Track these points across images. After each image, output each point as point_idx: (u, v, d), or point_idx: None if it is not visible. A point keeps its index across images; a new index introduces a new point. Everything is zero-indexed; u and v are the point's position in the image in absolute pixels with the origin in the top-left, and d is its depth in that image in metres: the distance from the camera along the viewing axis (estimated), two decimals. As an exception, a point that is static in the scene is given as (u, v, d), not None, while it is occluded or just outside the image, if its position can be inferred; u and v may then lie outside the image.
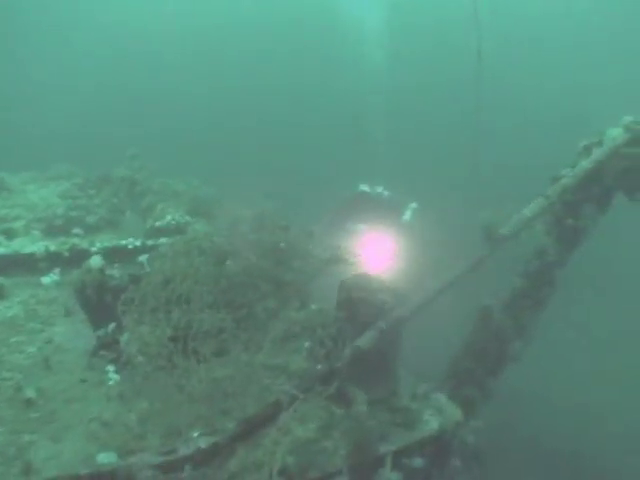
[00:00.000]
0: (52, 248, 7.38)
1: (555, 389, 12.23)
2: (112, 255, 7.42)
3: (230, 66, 22.18)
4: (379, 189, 12.21)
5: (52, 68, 21.26)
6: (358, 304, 5.57)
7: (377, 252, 12.27)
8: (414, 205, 12.08)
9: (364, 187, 12.15)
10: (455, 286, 5.68)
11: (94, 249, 7.41)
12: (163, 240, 7.82)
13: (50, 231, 8.61)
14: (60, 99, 19.18)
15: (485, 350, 8.27)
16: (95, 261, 6.85)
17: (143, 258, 7.30)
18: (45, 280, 7.00)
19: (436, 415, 5.87)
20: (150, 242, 7.74)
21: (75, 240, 7.63)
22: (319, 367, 5.05)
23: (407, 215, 11.95)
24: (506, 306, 8.27)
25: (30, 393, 5.25)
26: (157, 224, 8.77)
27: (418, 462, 5.53)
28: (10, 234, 8.12)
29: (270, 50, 22.88)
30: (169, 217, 8.83)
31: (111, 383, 5.58)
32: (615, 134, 7.35)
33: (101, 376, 5.67)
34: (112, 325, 6.16)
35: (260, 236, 7.79)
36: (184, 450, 4.57)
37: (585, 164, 6.76)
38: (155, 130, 17.57)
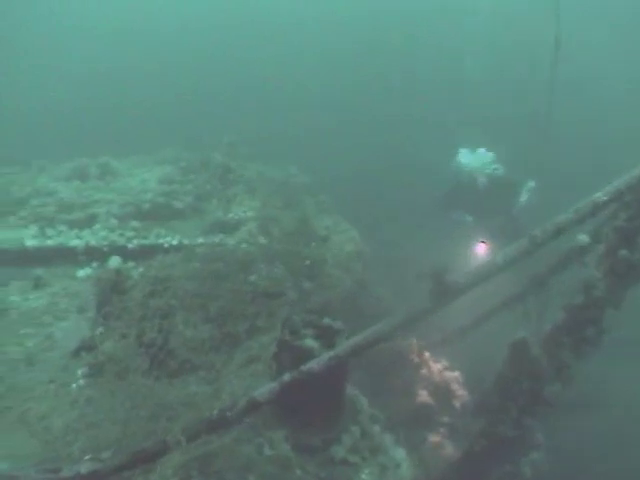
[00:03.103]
0: (92, 243, 8.00)
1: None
2: (147, 253, 7.86)
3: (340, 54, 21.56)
4: (481, 150, 11.26)
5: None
6: (282, 347, 5.50)
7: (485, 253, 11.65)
8: (532, 184, 11.09)
9: (464, 151, 11.29)
10: (381, 341, 5.32)
11: (131, 246, 7.95)
12: (200, 241, 8.14)
13: (134, 217, 9.32)
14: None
15: (517, 389, 7.61)
16: (113, 261, 7.41)
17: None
18: (79, 273, 7.68)
19: (376, 475, 5.63)
20: (186, 242, 8.06)
21: (114, 236, 8.17)
22: (214, 412, 5.05)
23: (524, 197, 11.02)
24: (545, 342, 7.51)
25: (-2, 387, 5.91)
26: (222, 218, 9.12)
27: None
28: (91, 220, 8.95)
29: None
30: (232, 213, 9.14)
31: (74, 387, 6.07)
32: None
33: (70, 378, 6.18)
34: (100, 329, 6.65)
35: (290, 247, 7.87)
36: (66, 472, 4.92)
37: (600, 195, 5.80)
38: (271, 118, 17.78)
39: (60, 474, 4.85)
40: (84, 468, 4.89)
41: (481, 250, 11.69)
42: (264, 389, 5.02)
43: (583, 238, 7.47)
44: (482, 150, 11.19)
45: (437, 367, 9.98)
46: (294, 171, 11.30)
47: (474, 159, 11.07)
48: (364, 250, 9.41)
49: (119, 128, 15.87)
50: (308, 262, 7.75)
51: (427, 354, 10.06)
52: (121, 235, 8.14)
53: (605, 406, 10.80)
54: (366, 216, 11.66)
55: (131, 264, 7.62)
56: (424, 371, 9.90)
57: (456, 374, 9.87)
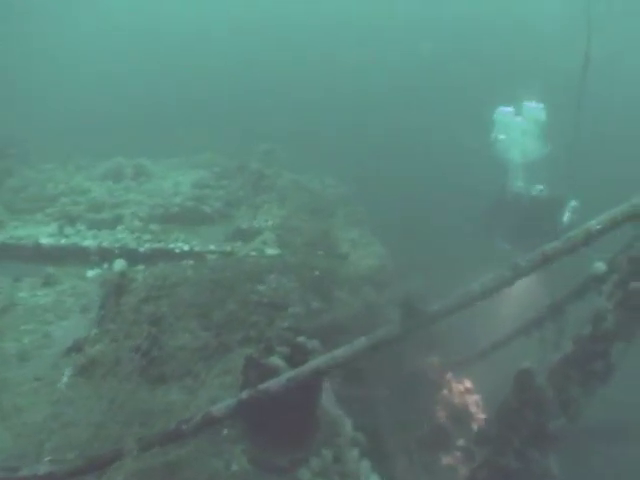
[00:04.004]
0: (104, 244, 8.16)
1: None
2: (158, 257, 7.97)
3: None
4: (531, 105, 10.55)
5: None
6: (250, 363, 5.46)
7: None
8: (574, 203, 10.65)
9: (505, 111, 10.70)
10: (344, 365, 5.19)
11: (142, 249, 8.07)
12: (212, 247, 8.20)
13: (161, 220, 9.47)
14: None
15: (520, 420, 7.32)
16: (117, 264, 7.55)
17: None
18: (89, 273, 7.86)
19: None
20: (197, 249, 8.13)
21: (130, 238, 8.31)
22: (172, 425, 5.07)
23: (567, 217, 10.60)
24: (552, 374, 7.19)
25: (-14, 382, 6.12)
26: (242, 226, 9.16)
27: None
28: (117, 221, 9.16)
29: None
30: (254, 221, 9.15)
31: (58, 386, 6.21)
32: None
33: (57, 377, 6.33)
34: (95, 330, 6.80)
35: (304, 259, 7.83)
36: (24, 472, 5.04)
37: (593, 224, 5.48)
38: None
39: (18, 474, 4.92)
40: (42, 469, 4.96)
41: None
42: (221, 404, 4.98)
43: (599, 266, 7.13)
44: (532, 105, 10.62)
45: (458, 388, 9.73)
46: (331, 181, 11.20)
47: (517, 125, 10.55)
48: (386, 266, 9.24)
49: (161, 129, 16.12)
50: (317, 272, 7.65)
51: (449, 375, 9.82)
52: (137, 238, 8.22)
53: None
54: (399, 229, 11.44)
55: (140, 267, 7.67)
56: (445, 392, 9.67)
57: (476, 397, 9.60)
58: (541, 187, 10.74)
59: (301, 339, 5.64)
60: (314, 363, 5.01)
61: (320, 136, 16.31)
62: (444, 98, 18.26)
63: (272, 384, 4.96)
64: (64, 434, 5.50)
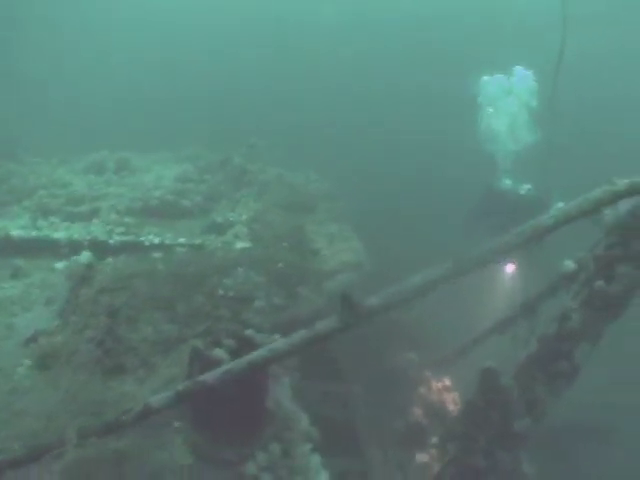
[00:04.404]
0: (75, 236, 8.17)
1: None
2: (128, 250, 7.97)
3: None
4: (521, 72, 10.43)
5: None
6: (194, 354, 5.45)
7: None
8: (561, 205, 10.52)
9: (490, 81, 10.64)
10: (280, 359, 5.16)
11: (112, 242, 8.08)
12: (181, 240, 8.19)
13: (138, 213, 9.48)
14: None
15: (485, 419, 7.25)
16: (83, 256, 7.56)
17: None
18: (58, 266, 7.87)
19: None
20: (168, 241, 8.12)
21: (101, 231, 8.31)
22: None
23: None
24: (517, 373, 7.10)
25: (-55, 372, 6.14)
26: (216, 220, 9.15)
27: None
28: (93, 214, 9.19)
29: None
30: (229, 215, 9.14)
31: (15, 377, 6.23)
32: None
33: (15, 368, 6.34)
34: (56, 322, 6.81)
35: (271, 253, 7.80)
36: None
37: (545, 218, 5.37)
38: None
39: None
40: (-14, 458, 4.97)
41: (510, 269, 11.21)
42: (160, 396, 4.96)
43: (568, 264, 7.04)
44: (520, 71, 10.40)
45: (437, 386, 9.66)
46: (314, 176, 11.16)
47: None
48: (362, 262, 9.17)
49: (156, 121, 16.09)
50: (281, 265, 7.61)
51: (428, 372, 9.75)
52: (110, 231, 8.22)
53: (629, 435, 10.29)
54: (387, 224, 11.39)
55: (109, 260, 7.67)
56: (422, 390, 9.60)
57: (454, 395, 9.52)
58: (529, 186, 10.60)
59: (249, 332, 5.60)
60: (249, 356, 4.96)
61: (315, 132, 16.23)
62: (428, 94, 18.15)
63: (209, 376, 4.92)
64: (15, 425, 5.48)
